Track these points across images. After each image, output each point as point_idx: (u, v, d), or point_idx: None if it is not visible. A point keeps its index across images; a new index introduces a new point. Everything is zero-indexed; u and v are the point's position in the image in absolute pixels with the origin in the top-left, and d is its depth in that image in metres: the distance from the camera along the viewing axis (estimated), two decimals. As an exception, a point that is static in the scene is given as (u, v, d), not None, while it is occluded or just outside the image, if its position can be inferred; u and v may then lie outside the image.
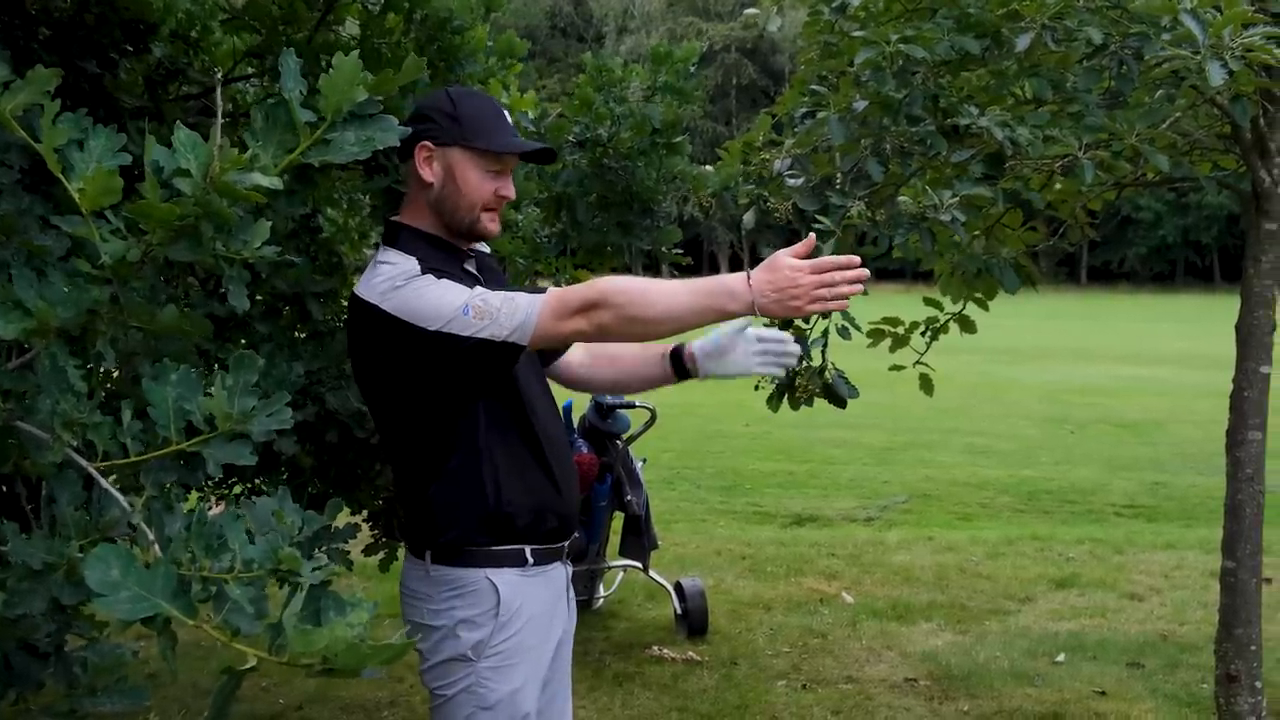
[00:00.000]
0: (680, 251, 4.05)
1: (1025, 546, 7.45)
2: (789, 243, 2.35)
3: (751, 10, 4.85)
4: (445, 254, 2.45)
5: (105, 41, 3.63)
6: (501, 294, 2.31)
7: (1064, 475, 10.45)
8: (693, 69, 3.78)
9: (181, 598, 1.35)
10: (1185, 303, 47.01)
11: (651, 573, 5.70)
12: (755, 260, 2.36)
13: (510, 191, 2.49)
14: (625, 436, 5.51)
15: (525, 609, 2.49)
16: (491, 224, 2.49)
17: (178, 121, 1.69)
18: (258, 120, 1.65)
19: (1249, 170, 3.79)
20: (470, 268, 2.51)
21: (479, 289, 2.31)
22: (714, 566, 6.89)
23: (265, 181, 1.58)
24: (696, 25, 67.47)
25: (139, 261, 1.57)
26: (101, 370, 1.81)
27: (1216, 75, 2.54)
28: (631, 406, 5.53)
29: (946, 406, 13.44)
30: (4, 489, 2.36)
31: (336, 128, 1.71)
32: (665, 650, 5.31)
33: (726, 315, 2.29)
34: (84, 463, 1.46)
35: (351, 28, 3.90)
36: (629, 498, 5.46)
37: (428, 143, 2.42)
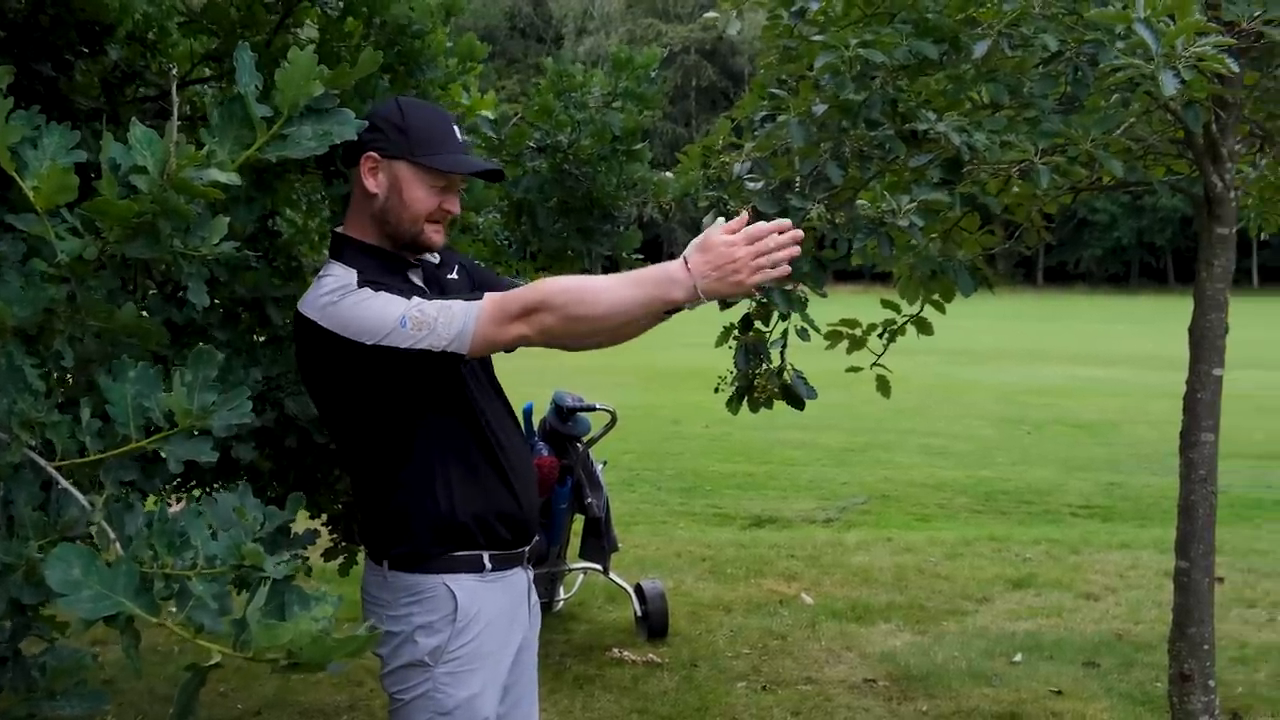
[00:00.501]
0: (640, 256, 4.07)
1: (982, 547, 7.51)
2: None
3: (711, 14, 4.87)
4: (388, 266, 2.43)
5: (60, 43, 3.59)
6: (438, 303, 2.28)
7: (1021, 476, 10.54)
8: (654, 74, 3.78)
9: (144, 595, 1.34)
10: (1140, 304, 47.54)
11: (612, 575, 5.70)
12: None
13: (455, 207, 2.47)
14: (586, 439, 5.52)
15: (483, 614, 2.48)
16: (435, 235, 2.46)
17: (134, 119, 1.68)
18: (214, 117, 1.64)
19: (1201, 175, 3.84)
20: (416, 278, 2.49)
21: (417, 300, 2.29)
22: (674, 568, 6.90)
23: (223, 177, 1.58)
24: (656, 27, 67.66)
25: (96, 260, 1.56)
26: (56, 374, 1.80)
27: (1170, 84, 2.58)
28: (592, 409, 5.53)
29: (904, 407, 13.50)
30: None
31: (293, 122, 1.70)
32: (626, 652, 5.31)
33: (671, 303, 2.25)
34: (43, 462, 1.45)
35: (310, 32, 3.89)
36: (589, 500, 5.46)
37: (374, 153, 2.39)
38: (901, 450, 11.91)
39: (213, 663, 1.35)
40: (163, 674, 4.84)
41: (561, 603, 5.92)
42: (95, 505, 1.43)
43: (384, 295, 2.28)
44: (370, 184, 2.41)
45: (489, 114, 4.30)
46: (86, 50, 3.74)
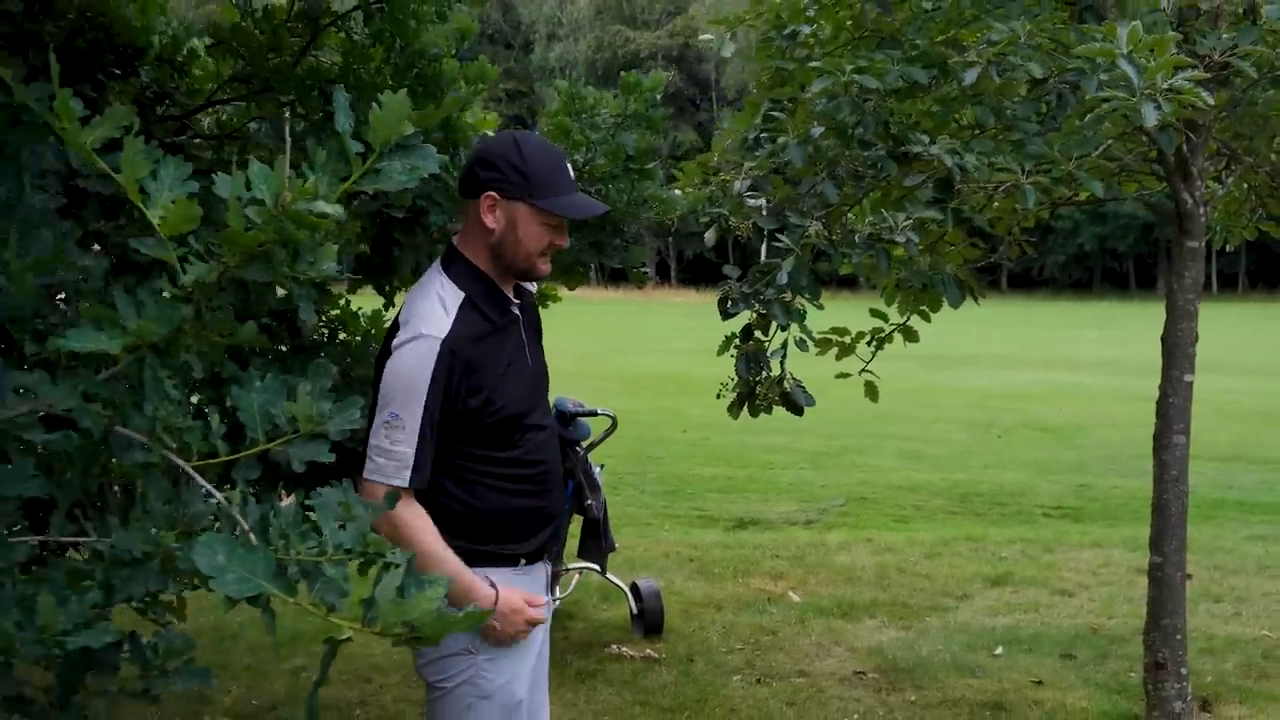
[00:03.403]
0: (646, 270, 4.27)
1: (960, 546, 7.76)
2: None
3: (705, 35, 5.08)
4: (492, 295, 2.65)
5: (95, 65, 3.78)
6: (404, 450, 2.49)
7: (993, 478, 10.81)
8: (658, 97, 3.99)
9: (280, 578, 1.54)
10: (1103, 309, 48.12)
11: (608, 574, 5.90)
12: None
13: (564, 241, 2.65)
14: (586, 443, 5.71)
15: None
16: (544, 266, 2.67)
17: (250, 156, 1.87)
18: (319, 155, 1.84)
19: (1172, 192, 4.09)
20: (514, 310, 2.71)
21: (417, 415, 2.50)
22: (663, 568, 7.10)
23: (329, 209, 1.78)
24: (624, 33, 67.92)
25: (216, 282, 1.76)
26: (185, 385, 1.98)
27: (1151, 116, 2.81)
28: (593, 414, 5.72)
29: (878, 412, 13.59)
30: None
31: (384, 158, 1.90)
32: (624, 648, 5.51)
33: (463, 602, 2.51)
34: (182, 463, 1.64)
35: (333, 54, 4.07)
36: (589, 502, 5.64)
37: (494, 193, 2.57)
38: (877, 454, 12.18)
39: (344, 637, 1.55)
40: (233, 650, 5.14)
41: (558, 601, 6.09)
42: (232, 500, 1.62)
43: (408, 383, 2.51)
44: (488, 220, 2.59)
45: (490, 133, 4.50)
46: (119, 72, 3.93)
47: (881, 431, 13.47)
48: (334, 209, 1.79)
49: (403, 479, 2.50)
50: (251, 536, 1.60)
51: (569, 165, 2.67)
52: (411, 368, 2.50)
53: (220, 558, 1.53)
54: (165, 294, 1.76)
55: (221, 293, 1.78)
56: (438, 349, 2.50)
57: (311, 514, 1.69)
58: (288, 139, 1.80)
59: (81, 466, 1.75)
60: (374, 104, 1.87)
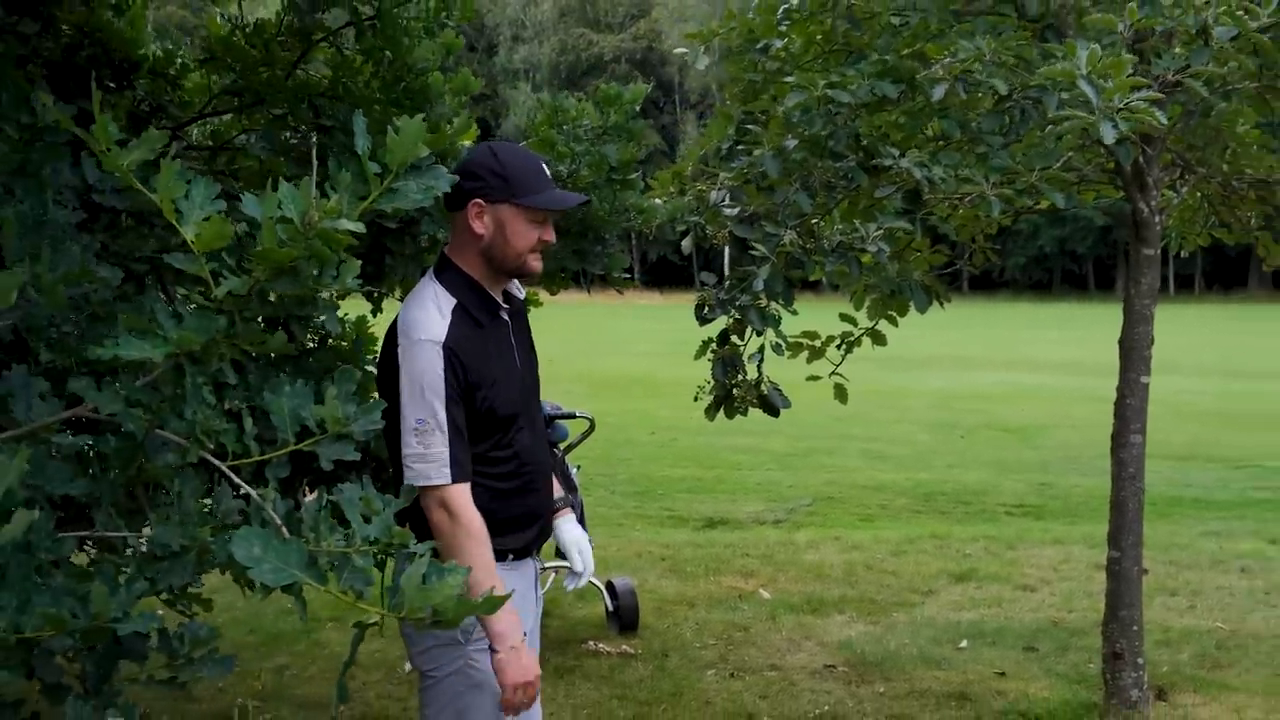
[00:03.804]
0: (629, 276, 4.41)
1: (925, 544, 7.95)
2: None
3: (680, 50, 5.24)
4: (482, 301, 2.77)
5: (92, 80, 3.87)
6: (440, 450, 2.62)
7: (956, 478, 11.03)
8: (638, 109, 4.13)
9: (312, 569, 1.68)
10: (1062, 310, 48.69)
11: (584, 572, 6.02)
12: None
13: (551, 236, 2.79)
14: (564, 445, 5.84)
15: None
16: (535, 263, 2.80)
17: (280, 177, 2.00)
18: (342, 177, 1.97)
19: (1130, 201, 4.28)
20: (503, 315, 2.84)
21: (441, 414, 2.63)
22: (636, 567, 7.25)
23: (352, 226, 1.91)
24: (587, 36, 68.07)
25: (246, 294, 1.89)
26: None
27: (1109, 134, 2.99)
28: (571, 416, 5.85)
29: (843, 413, 13.76)
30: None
31: (400, 178, 2.03)
32: (600, 644, 5.65)
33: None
34: (218, 463, 1.78)
35: (321, 68, 4.17)
36: (567, 502, 5.77)
37: (479, 200, 2.70)
38: (843, 455, 12.38)
39: (373, 622, 1.69)
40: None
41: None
42: (265, 497, 1.76)
43: (428, 380, 2.62)
44: (477, 226, 2.72)
45: (468, 143, 4.62)
46: (114, 85, 4.03)
47: (846, 433, 13.68)
48: (357, 226, 1.93)
49: (444, 476, 2.62)
50: (284, 530, 1.73)
51: (544, 166, 2.80)
52: (423, 372, 2.62)
53: (257, 549, 1.66)
54: (194, 305, 1.89)
55: (250, 305, 1.91)
56: (441, 351, 2.64)
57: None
58: (314, 160, 1.93)
59: (120, 467, 1.88)
60: (389, 128, 2.01)
